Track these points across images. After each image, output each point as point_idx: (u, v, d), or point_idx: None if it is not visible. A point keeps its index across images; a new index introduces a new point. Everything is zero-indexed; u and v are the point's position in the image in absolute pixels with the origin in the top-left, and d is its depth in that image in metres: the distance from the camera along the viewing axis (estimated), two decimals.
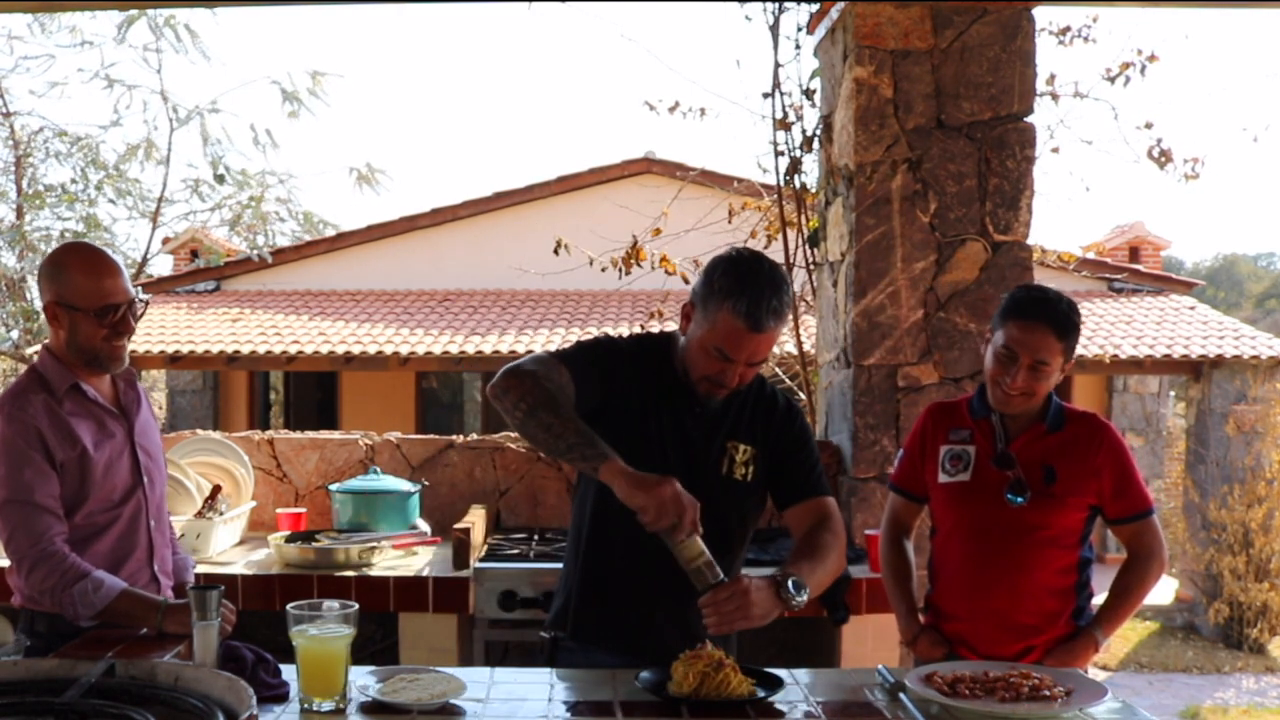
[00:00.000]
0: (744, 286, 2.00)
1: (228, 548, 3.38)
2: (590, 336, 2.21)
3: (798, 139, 4.18)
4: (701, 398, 2.12)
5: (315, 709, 1.78)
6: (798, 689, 1.97)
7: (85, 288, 2.23)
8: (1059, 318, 2.29)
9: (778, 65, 4.17)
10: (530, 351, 12.05)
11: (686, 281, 5.22)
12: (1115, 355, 9.93)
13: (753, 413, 2.20)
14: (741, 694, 1.85)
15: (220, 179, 11.85)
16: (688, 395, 2.15)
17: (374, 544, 3.19)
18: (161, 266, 13.92)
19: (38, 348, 11.21)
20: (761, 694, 1.87)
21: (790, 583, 1.98)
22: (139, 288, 2.35)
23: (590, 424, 2.12)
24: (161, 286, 12.80)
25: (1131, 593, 2.41)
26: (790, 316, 2.07)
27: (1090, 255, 8.93)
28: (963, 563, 2.41)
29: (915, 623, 2.49)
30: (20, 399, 2.23)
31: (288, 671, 1.89)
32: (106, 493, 2.29)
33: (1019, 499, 2.33)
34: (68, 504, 2.24)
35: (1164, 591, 10.49)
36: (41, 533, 2.17)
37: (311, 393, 12.89)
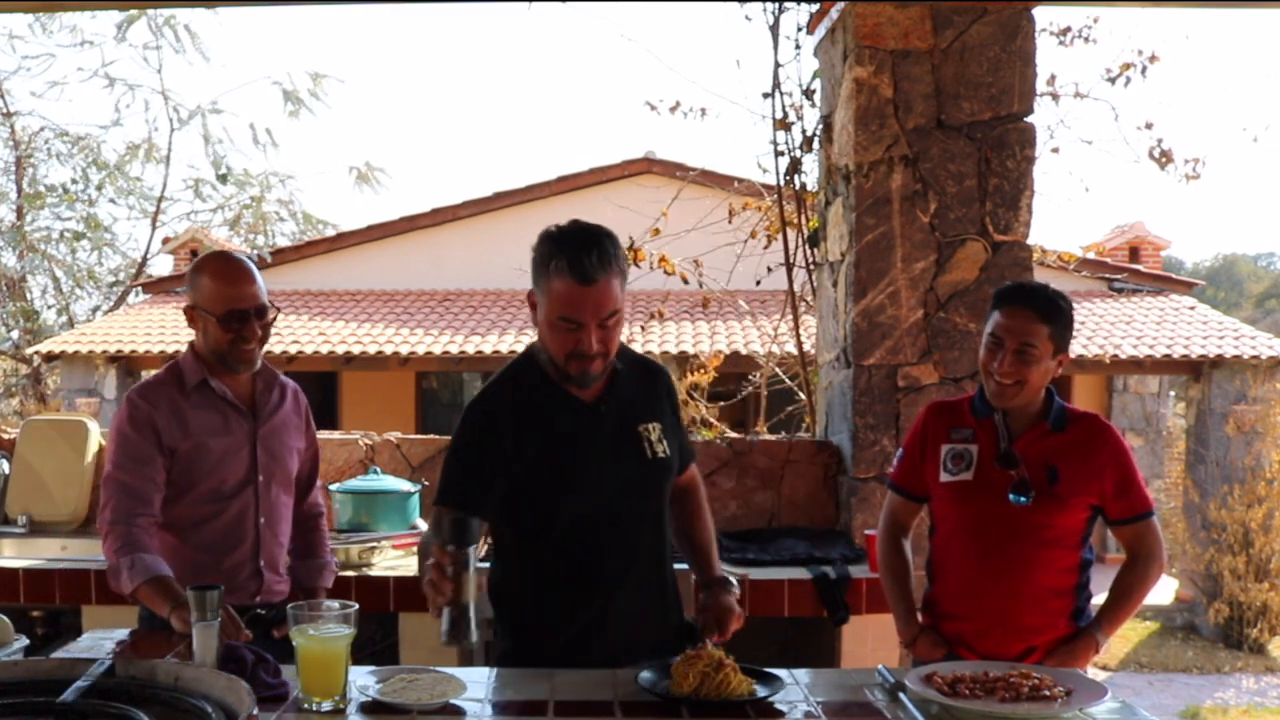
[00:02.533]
0: (561, 248, 2.00)
1: None
2: (463, 414, 2.17)
3: (798, 139, 4.17)
4: (578, 380, 2.07)
5: (315, 709, 1.78)
6: (798, 689, 1.97)
7: (214, 293, 2.37)
8: (1041, 302, 2.33)
9: (778, 65, 4.17)
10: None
11: (685, 281, 5.21)
12: (1115, 355, 9.93)
13: (643, 389, 2.21)
14: (741, 694, 1.85)
15: (222, 179, 11.87)
16: (579, 399, 2.12)
17: (374, 544, 3.20)
18: (161, 266, 13.96)
19: (39, 347, 11.24)
20: (762, 694, 1.87)
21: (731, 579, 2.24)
22: (272, 300, 2.47)
23: (503, 477, 2.09)
24: (161, 286, 12.82)
25: (1132, 593, 2.41)
26: (624, 270, 2.06)
27: (1090, 255, 8.94)
28: (964, 562, 2.41)
29: (915, 624, 2.49)
30: (148, 389, 2.42)
31: (288, 671, 1.90)
32: (216, 483, 2.42)
33: (1023, 499, 2.33)
34: (176, 488, 2.39)
35: (1164, 591, 10.48)
36: (125, 510, 2.30)
37: (311, 393, 12.76)
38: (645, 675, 1.91)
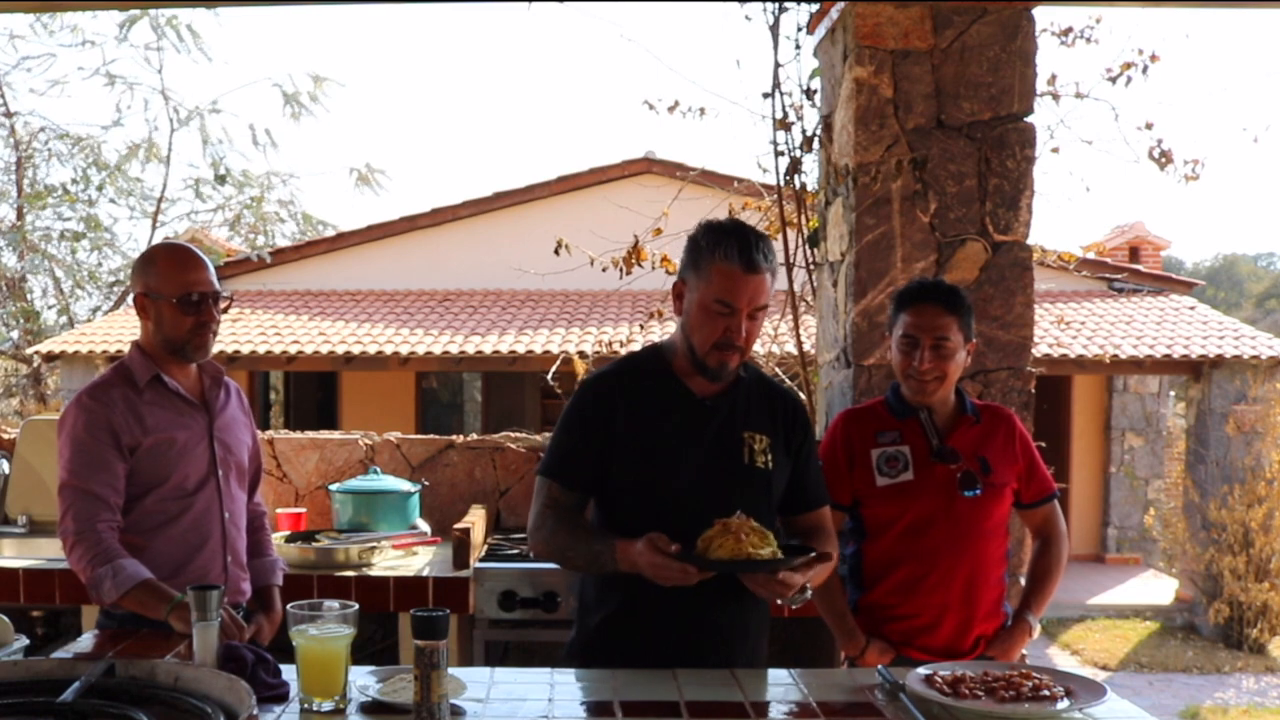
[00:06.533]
0: (729, 236, 2.08)
1: None
2: (576, 391, 2.22)
3: (798, 139, 4.17)
4: (714, 373, 2.11)
5: (315, 709, 1.78)
6: (797, 689, 1.97)
7: (170, 277, 2.35)
8: (944, 295, 2.42)
9: (778, 65, 4.17)
10: (530, 353, 11.82)
11: None
12: (1115, 355, 9.92)
13: (759, 404, 2.21)
14: (757, 553, 1.89)
15: (221, 179, 11.88)
16: (693, 395, 2.16)
17: (374, 544, 3.19)
18: None
19: (39, 347, 11.23)
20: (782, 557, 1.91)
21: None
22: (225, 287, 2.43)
23: (610, 457, 2.13)
24: None
25: (1053, 574, 2.51)
26: (776, 270, 2.14)
27: (1090, 255, 8.93)
28: (911, 560, 2.42)
29: (860, 635, 2.45)
30: (99, 391, 2.35)
31: (288, 671, 1.90)
32: (179, 480, 2.39)
33: (973, 491, 2.38)
34: (140, 488, 2.34)
35: (1164, 591, 10.49)
36: (88, 517, 2.26)
37: (311, 393, 12.89)
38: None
